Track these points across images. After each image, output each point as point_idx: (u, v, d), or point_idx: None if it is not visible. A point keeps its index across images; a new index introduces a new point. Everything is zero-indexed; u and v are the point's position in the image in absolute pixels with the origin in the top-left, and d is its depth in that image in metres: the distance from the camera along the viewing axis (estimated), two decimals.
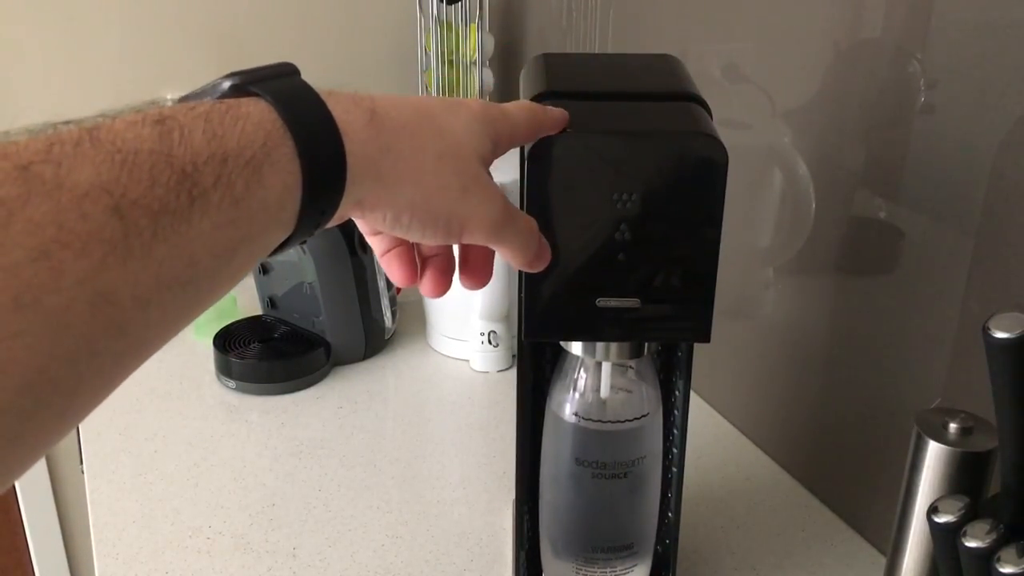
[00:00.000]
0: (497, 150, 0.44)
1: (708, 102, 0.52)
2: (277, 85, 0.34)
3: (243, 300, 1.04)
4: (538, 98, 0.52)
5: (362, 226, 0.45)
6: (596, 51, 1.02)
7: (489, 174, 0.44)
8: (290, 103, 0.34)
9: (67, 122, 0.29)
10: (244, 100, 0.33)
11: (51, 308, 0.25)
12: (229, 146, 0.31)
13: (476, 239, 0.43)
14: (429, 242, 0.44)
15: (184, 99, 0.35)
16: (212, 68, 1.30)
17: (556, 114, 0.48)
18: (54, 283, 0.25)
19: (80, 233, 0.26)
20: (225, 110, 0.32)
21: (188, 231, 0.29)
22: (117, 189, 0.27)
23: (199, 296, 0.31)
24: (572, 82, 0.55)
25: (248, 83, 0.34)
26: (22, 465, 0.27)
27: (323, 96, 0.35)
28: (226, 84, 0.34)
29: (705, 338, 0.52)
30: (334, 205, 0.36)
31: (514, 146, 0.46)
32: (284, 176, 0.33)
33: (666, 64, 0.58)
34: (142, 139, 0.29)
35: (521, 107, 0.46)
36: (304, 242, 0.40)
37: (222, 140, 0.31)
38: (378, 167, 0.37)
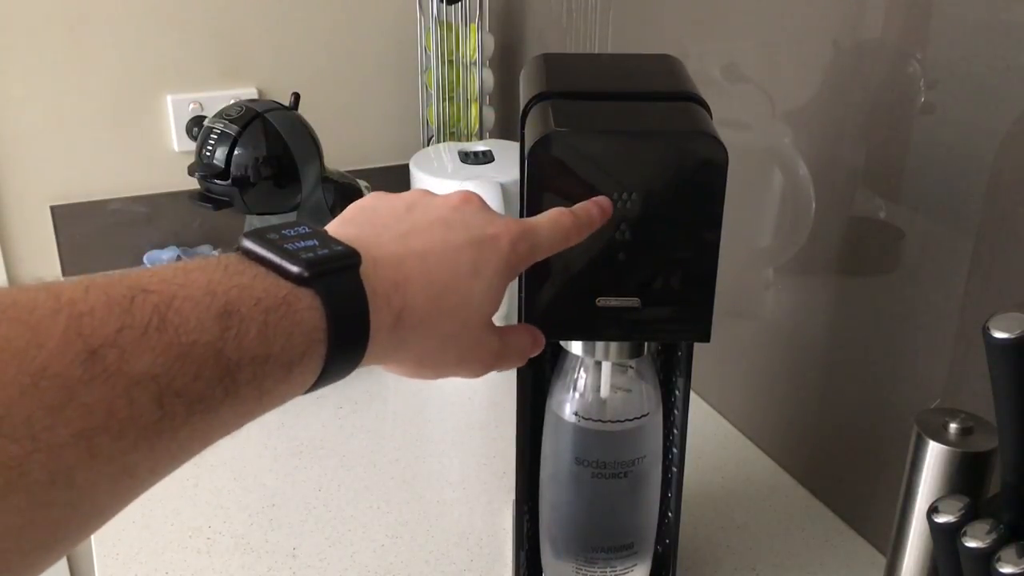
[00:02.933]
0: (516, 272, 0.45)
1: (708, 102, 0.52)
2: (339, 286, 0.35)
3: None
4: (538, 98, 0.52)
5: None
6: (596, 51, 1.02)
7: (492, 326, 0.46)
8: (340, 315, 0.35)
9: (146, 277, 0.30)
10: (303, 300, 0.34)
11: (80, 483, 0.27)
12: (274, 350, 0.32)
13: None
14: None
15: (259, 238, 0.35)
16: (211, 67, 1.29)
17: (584, 218, 0.47)
18: (88, 462, 0.27)
19: (122, 419, 0.27)
20: (284, 312, 0.33)
21: (214, 419, 0.31)
22: (165, 378, 0.28)
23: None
24: (572, 82, 0.55)
25: (318, 274, 0.34)
26: None
27: (368, 295, 0.36)
28: (301, 261, 0.34)
29: (705, 338, 0.52)
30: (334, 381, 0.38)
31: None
32: (307, 375, 0.35)
33: (666, 64, 0.58)
34: (203, 330, 0.30)
35: (554, 224, 0.45)
36: None
37: (271, 344, 0.32)
38: (388, 357, 0.39)
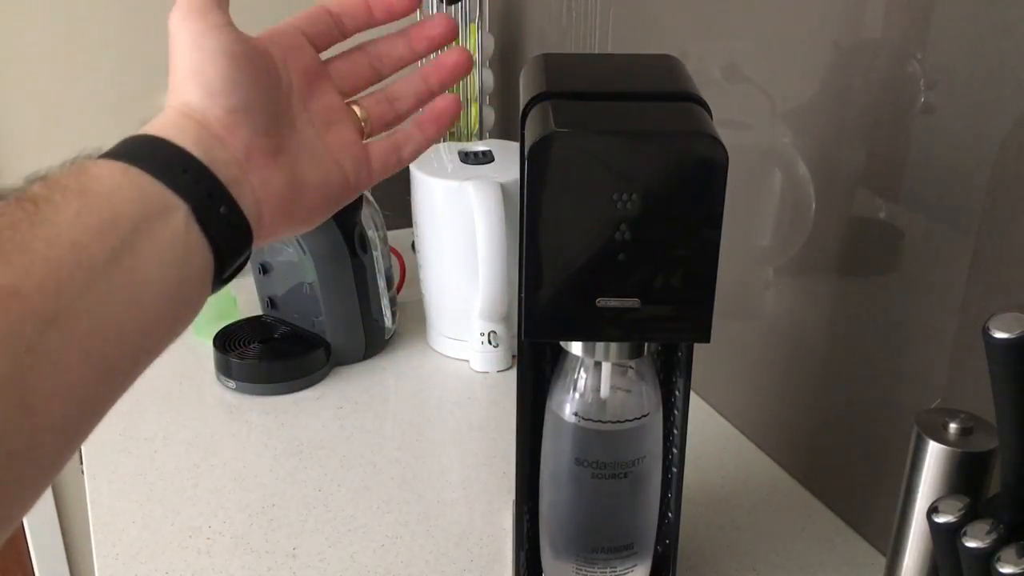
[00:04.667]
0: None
1: (708, 102, 0.52)
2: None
3: (243, 300, 1.04)
4: (537, 98, 0.52)
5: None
6: (596, 51, 1.02)
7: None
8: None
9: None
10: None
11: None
12: (47, 174, 0.35)
13: None
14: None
15: None
16: None
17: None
18: None
19: None
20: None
21: (50, 224, 0.33)
22: None
23: (118, 291, 0.34)
24: (572, 82, 0.55)
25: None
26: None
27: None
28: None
29: (705, 338, 0.52)
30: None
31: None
32: (107, 166, 0.37)
33: (666, 64, 0.58)
34: None
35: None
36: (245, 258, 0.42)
37: (42, 175, 0.35)
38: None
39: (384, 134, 0.50)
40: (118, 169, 0.36)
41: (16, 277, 0.30)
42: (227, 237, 0.39)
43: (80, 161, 0.37)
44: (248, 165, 0.41)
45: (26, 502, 0.31)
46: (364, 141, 0.48)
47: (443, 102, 0.50)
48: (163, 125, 0.40)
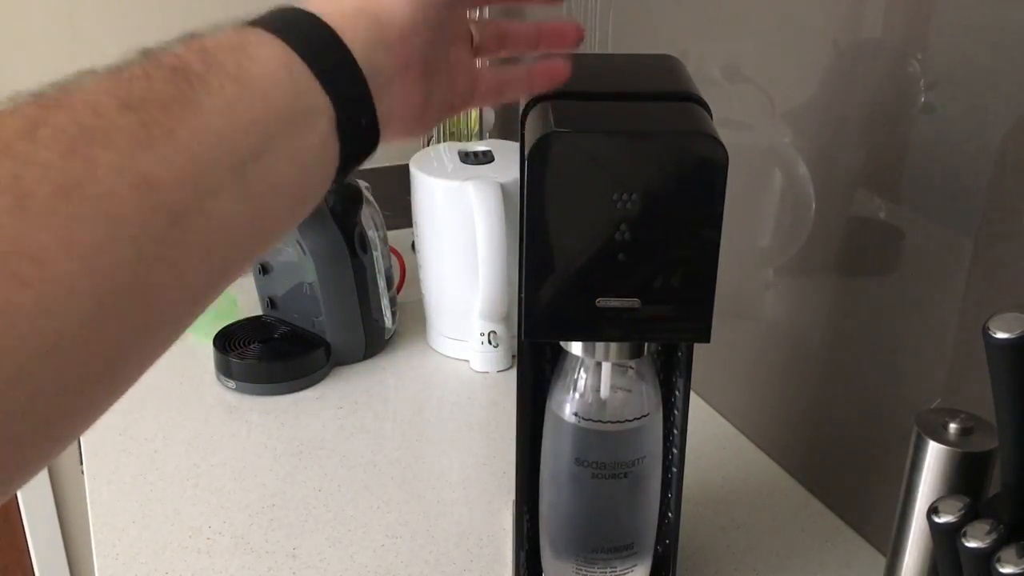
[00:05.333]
0: None
1: (708, 102, 0.52)
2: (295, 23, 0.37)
3: (243, 300, 1.04)
4: (537, 99, 0.52)
5: None
6: (596, 51, 1.02)
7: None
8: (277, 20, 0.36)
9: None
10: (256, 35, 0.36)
11: (95, 194, 0.27)
12: (207, 43, 0.34)
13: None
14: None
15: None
16: None
17: None
18: (91, 174, 0.28)
19: (100, 128, 0.28)
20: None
21: (200, 112, 0.31)
22: (121, 92, 0.30)
23: (250, 192, 0.33)
24: (572, 82, 0.55)
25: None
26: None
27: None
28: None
29: (705, 338, 0.52)
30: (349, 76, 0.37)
31: None
32: (270, 49, 0.35)
33: (666, 64, 0.58)
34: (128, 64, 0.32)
35: None
36: (359, 162, 0.40)
37: (201, 40, 0.34)
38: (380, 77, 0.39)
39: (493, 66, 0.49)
40: (280, 59, 0.35)
41: (156, 165, 0.29)
42: (357, 146, 0.38)
43: (242, 30, 0.35)
44: (400, 78, 0.40)
45: (129, 381, 0.32)
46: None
47: (560, 63, 0.49)
48: (338, 13, 0.37)
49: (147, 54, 0.32)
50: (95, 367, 0.29)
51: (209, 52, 0.33)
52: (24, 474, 0.28)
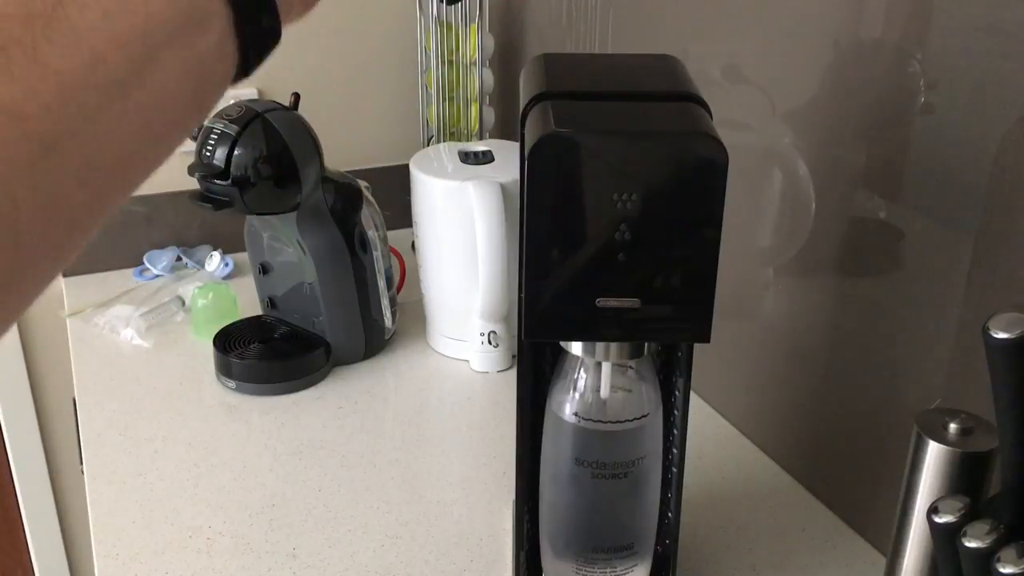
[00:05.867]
0: None
1: (708, 102, 0.52)
2: None
3: (243, 300, 1.04)
4: (538, 98, 0.52)
5: None
6: (596, 51, 1.02)
7: None
8: None
9: None
10: None
11: None
12: None
13: None
14: None
15: None
16: None
17: None
18: None
19: None
20: None
21: (70, 29, 0.27)
22: None
23: (133, 111, 0.30)
24: (572, 82, 0.55)
25: None
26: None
27: None
28: None
29: (705, 338, 0.52)
30: None
31: None
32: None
33: (666, 64, 0.58)
34: None
35: None
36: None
37: None
38: None
39: None
40: None
41: (20, 94, 0.26)
42: (259, 44, 0.34)
43: None
44: None
45: (6, 324, 0.28)
46: None
47: None
48: None
49: None
50: None
51: None
52: None
